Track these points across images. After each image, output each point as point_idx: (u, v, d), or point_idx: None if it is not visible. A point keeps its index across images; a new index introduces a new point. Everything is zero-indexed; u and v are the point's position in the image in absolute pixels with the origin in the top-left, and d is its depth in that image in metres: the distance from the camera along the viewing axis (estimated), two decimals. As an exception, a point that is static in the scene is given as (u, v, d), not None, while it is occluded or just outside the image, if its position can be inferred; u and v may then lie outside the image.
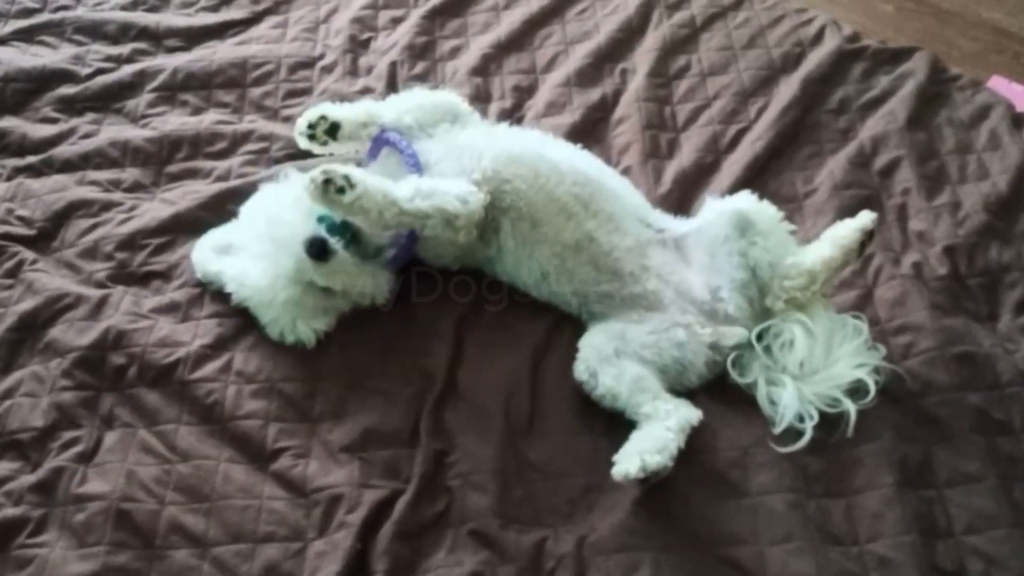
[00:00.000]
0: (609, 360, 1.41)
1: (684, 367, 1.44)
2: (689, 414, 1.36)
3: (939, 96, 1.85)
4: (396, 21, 2.05)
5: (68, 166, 1.79)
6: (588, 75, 1.92)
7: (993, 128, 1.77)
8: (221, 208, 1.67)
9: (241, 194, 1.66)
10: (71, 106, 1.90)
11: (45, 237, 1.68)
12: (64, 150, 1.81)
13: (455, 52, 1.99)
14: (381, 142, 1.62)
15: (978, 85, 1.88)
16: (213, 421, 1.45)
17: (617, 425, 1.40)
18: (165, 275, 1.63)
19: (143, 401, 1.46)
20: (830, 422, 1.39)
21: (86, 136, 1.85)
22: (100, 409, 1.46)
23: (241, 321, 1.56)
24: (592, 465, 1.39)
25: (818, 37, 1.96)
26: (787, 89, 1.85)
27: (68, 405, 1.45)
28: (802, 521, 1.32)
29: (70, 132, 1.85)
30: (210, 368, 1.50)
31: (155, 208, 1.72)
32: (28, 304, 1.56)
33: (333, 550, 1.32)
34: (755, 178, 1.73)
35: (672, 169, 1.75)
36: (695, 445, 1.37)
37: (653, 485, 1.33)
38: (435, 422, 1.44)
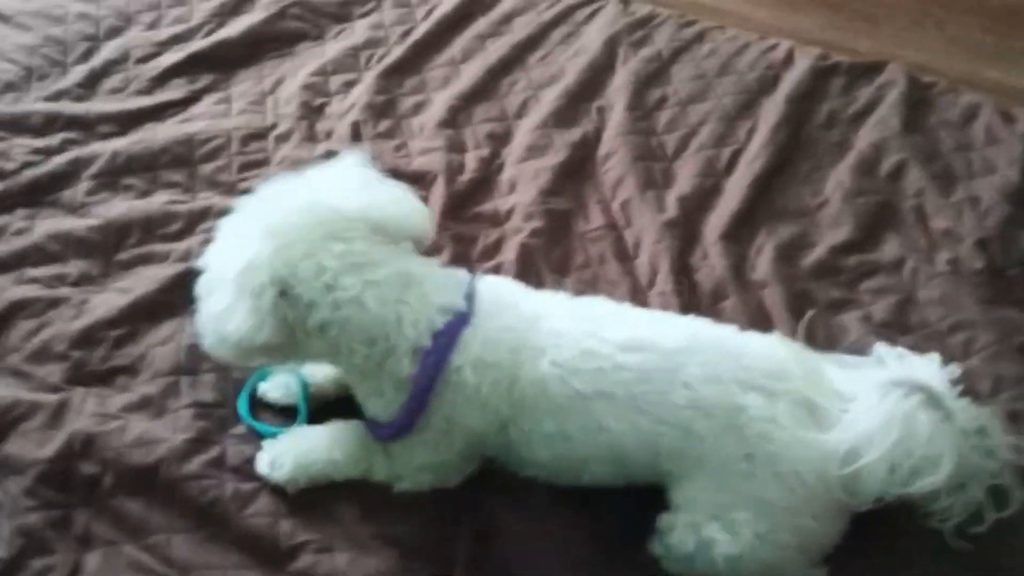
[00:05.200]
0: None
1: None
2: None
3: (924, 101, 1.82)
4: (349, 84, 1.93)
5: (2, 267, 1.58)
6: (564, 115, 1.82)
7: (987, 124, 1.76)
8: (186, 288, 1.45)
9: (209, 271, 1.46)
10: (-2, 204, 1.70)
11: (-16, 345, 1.46)
12: (-5, 250, 1.61)
13: (419, 108, 1.87)
14: None
15: (957, 88, 1.85)
16: (213, 524, 1.24)
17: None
18: (131, 369, 1.43)
19: (125, 512, 1.25)
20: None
21: (19, 233, 1.64)
22: (74, 528, 1.24)
23: (227, 411, 1.36)
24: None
25: (788, 59, 1.92)
26: (772, 108, 1.80)
27: (35, 529, 1.23)
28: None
29: (0, 231, 1.65)
30: (199, 463, 1.29)
31: (109, 299, 1.52)
32: (-27, 421, 1.34)
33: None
34: (761, 197, 1.66)
35: (673, 197, 1.65)
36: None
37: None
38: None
